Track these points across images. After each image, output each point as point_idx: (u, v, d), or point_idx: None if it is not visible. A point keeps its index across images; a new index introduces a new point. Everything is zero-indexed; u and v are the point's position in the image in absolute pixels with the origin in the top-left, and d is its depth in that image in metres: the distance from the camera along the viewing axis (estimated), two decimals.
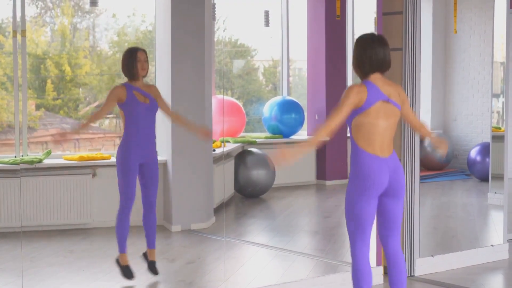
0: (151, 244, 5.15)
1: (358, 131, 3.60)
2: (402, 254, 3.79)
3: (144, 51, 4.95)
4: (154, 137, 5.06)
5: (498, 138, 6.54)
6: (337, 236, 6.48)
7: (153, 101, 4.97)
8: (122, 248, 4.99)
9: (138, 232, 5.16)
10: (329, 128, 3.56)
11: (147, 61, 4.96)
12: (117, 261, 5.06)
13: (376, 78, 3.63)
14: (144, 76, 4.98)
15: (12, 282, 4.92)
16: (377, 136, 3.58)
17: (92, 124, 5.31)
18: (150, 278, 5.14)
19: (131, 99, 4.87)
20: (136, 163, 4.91)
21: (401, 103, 3.71)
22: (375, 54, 3.61)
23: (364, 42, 3.66)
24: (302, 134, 9.52)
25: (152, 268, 5.15)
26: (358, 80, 3.77)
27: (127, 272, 5.00)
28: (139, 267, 5.33)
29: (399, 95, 3.69)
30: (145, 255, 5.21)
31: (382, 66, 3.65)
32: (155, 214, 5.14)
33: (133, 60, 4.88)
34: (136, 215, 5.23)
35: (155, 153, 5.04)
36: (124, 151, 4.90)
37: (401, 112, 3.78)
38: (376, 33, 3.76)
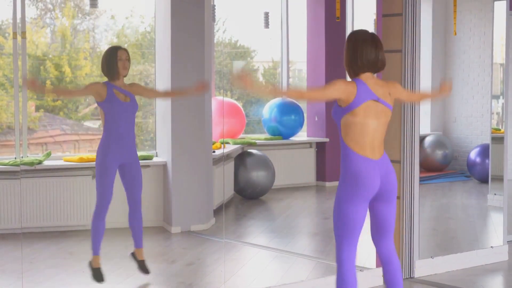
0: (138, 243, 5.10)
1: (347, 132, 3.51)
2: (396, 255, 3.74)
3: (125, 50, 4.89)
4: (134, 136, 4.98)
5: (498, 139, 6.55)
6: None
7: (133, 100, 4.91)
8: (95, 250, 4.91)
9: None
10: (302, 95, 3.53)
11: (128, 60, 4.88)
12: (90, 263, 4.97)
13: (367, 77, 3.55)
14: (125, 75, 4.91)
15: (12, 284, 4.92)
16: (367, 136, 3.50)
17: (58, 94, 5.17)
18: (149, 279, 5.14)
19: (111, 97, 4.80)
20: (115, 164, 4.86)
21: (393, 101, 3.64)
22: (366, 53, 3.53)
23: (356, 39, 3.58)
24: (301, 136, 9.52)
25: (143, 267, 5.11)
26: None
27: (97, 275, 4.91)
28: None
29: (390, 95, 3.60)
30: (133, 255, 5.16)
31: (374, 66, 3.56)
32: (141, 213, 5.07)
33: (114, 58, 4.82)
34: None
35: (135, 153, 4.96)
36: (103, 151, 4.84)
37: (402, 99, 3.76)
38: (374, 31, 3.70)
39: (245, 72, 3.35)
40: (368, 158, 3.50)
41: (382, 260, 3.72)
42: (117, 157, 4.85)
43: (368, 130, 3.50)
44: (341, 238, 3.55)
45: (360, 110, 3.48)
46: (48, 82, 7.18)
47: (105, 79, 4.95)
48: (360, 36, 3.60)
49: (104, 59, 4.88)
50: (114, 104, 4.81)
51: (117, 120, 4.83)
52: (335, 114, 3.56)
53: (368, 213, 3.66)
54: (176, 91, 5.14)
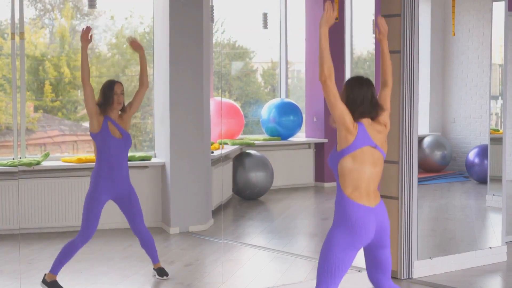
0: (155, 260, 5.18)
1: (345, 178, 3.47)
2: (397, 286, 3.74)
3: (121, 84, 4.97)
4: (127, 169, 4.98)
5: (497, 140, 6.55)
6: None
7: (126, 136, 4.95)
8: (55, 271, 4.84)
9: (133, 233, 5.13)
10: (325, 58, 3.56)
11: (123, 93, 4.96)
12: (44, 280, 4.86)
13: (366, 122, 3.52)
14: (120, 109, 4.97)
15: (10, 285, 4.91)
16: (364, 183, 3.46)
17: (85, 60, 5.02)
18: (148, 279, 5.14)
19: (104, 132, 4.86)
20: (106, 198, 4.89)
21: (386, 144, 3.63)
22: (365, 108, 3.51)
23: (351, 85, 3.57)
24: (300, 136, 9.52)
25: (161, 272, 5.16)
26: None
27: (56, 287, 4.90)
28: (137, 268, 5.33)
29: (385, 142, 3.58)
30: (154, 269, 5.21)
31: (370, 113, 3.53)
32: (151, 236, 5.10)
33: (111, 92, 4.89)
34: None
35: (129, 185, 4.98)
36: (94, 183, 4.87)
37: (382, 80, 3.73)
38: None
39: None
40: (365, 206, 3.47)
41: None
42: (108, 190, 4.87)
43: (365, 176, 3.47)
44: (324, 280, 3.51)
45: (358, 154, 3.46)
46: (47, 83, 7.18)
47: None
48: (354, 80, 3.60)
49: (101, 91, 4.93)
50: (107, 139, 4.86)
51: (108, 154, 4.87)
52: (332, 160, 3.52)
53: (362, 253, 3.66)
54: (141, 70, 5.12)
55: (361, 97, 3.52)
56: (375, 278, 3.67)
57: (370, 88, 3.55)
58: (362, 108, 3.50)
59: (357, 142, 3.45)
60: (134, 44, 5.18)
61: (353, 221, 3.44)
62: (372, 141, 3.50)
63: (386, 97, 3.71)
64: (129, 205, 4.97)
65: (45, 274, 4.84)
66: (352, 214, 3.45)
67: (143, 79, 5.11)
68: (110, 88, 4.91)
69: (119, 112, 4.99)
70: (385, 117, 3.61)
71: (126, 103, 5.05)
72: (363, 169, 3.46)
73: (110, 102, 4.90)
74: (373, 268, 3.65)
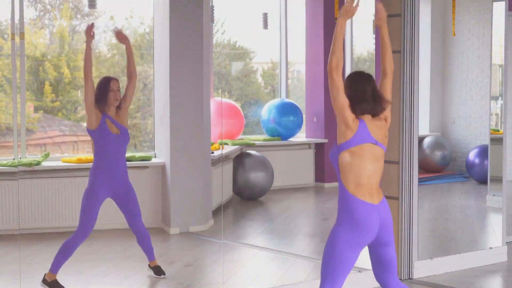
0: (151, 258, 5.18)
1: (346, 174, 3.46)
2: (404, 285, 3.71)
3: (117, 80, 4.96)
4: (125, 166, 4.97)
5: (497, 140, 6.55)
6: None
7: (124, 132, 4.94)
8: (55, 270, 4.84)
9: (133, 234, 5.13)
10: (336, 49, 3.50)
11: (119, 90, 4.95)
12: (44, 280, 4.87)
13: (367, 119, 3.50)
14: (117, 106, 4.95)
15: (10, 285, 4.91)
16: (365, 180, 3.45)
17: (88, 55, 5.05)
18: (148, 280, 5.14)
19: (102, 128, 4.85)
20: (104, 195, 4.88)
21: (386, 139, 3.60)
22: (368, 105, 3.48)
23: (352, 80, 3.55)
24: (300, 137, 9.52)
25: (158, 271, 5.17)
26: None
27: (57, 286, 4.90)
28: (137, 269, 5.32)
29: (385, 137, 3.56)
30: (149, 266, 5.22)
31: (372, 109, 3.51)
32: (148, 234, 5.10)
33: (107, 89, 4.88)
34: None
35: (127, 182, 4.97)
36: (92, 180, 4.87)
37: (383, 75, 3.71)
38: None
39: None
40: (368, 203, 3.45)
41: None
42: (106, 187, 4.87)
43: (366, 173, 3.45)
44: (328, 277, 3.48)
45: (358, 151, 3.44)
46: (47, 84, 7.18)
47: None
48: (355, 76, 3.57)
49: (97, 89, 4.91)
50: (104, 136, 4.85)
51: (106, 151, 4.87)
52: (333, 155, 3.50)
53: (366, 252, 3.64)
54: (128, 62, 5.11)
55: (362, 92, 3.49)
56: (382, 278, 3.65)
57: (371, 83, 3.52)
58: (364, 104, 3.48)
59: (356, 139, 3.44)
60: (120, 36, 5.18)
61: (356, 218, 3.43)
62: (372, 138, 3.48)
63: (386, 87, 3.68)
64: (127, 201, 4.96)
65: (45, 274, 4.84)
66: (355, 211, 3.43)
67: (130, 70, 5.10)
68: (105, 85, 4.90)
69: (116, 109, 4.96)
70: (386, 110, 3.58)
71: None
72: (363, 165, 3.45)
73: (106, 99, 4.88)
74: (379, 267, 3.62)
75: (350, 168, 3.45)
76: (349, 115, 3.43)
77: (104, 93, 4.89)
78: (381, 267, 3.62)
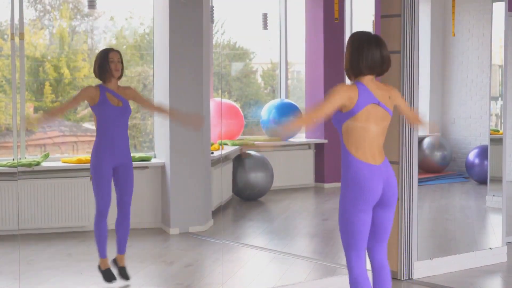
0: (121, 250, 5.05)
1: (348, 137, 3.46)
2: (387, 263, 3.69)
3: (117, 51, 4.84)
4: (128, 139, 4.94)
5: (497, 140, 6.54)
6: (335, 239, 6.47)
7: (126, 104, 4.86)
8: (101, 253, 4.88)
9: (133, 234, 5.13)
10: (310, 119, 3.43)
11: (120, 62, 4.83)
12: (99, 267, 4.95)
13: (368, 80, 3.49)
14: (119, 77, 4.86)
15: (9, 286, 4.91)
16: (368, 142, 3.45)
17: (52, 118, 5.23)
18: (148, 280, 5.14)
19: (103, 101, 4.77)
20: (109, 167, 4.83)
21: (393, 106, 3.59)
22: (370, 56, 3.45)
23: (359, 41, 3.49)
24: (300, 137, 9.52)
25: (123, 274, 5.04)
26: None
27: (109, 275, 4.89)
28: (136, 270, 5.32)
29: (389, 98, 3.55)
30: (114, 261, 5.09)
31: (376, 69, 3.49)
32: (129, 220, 5.02)
33: (106, 61, 4.77)
34: (132, 218, 5.22)
35: (128, 156, 4.93)
36: (96, 155, 4.82)
37: (398, 109, 3.72)
38: (373, 32, 3.62)
39: (279, 129, 3.58)
40: (370, 164, 3.46)
41: (374, 267, 3.65)
42: (111, 159, 4.83)
43: (369, 135, 3.45)
44: (349, 245, 3.52)
45: (362, 114, 3.43)
46: (47, 84, 7.17)
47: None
48: (364, 37, 3.50)
49: (96, 61, 4.83)
50: (106, 108, 4.77)
51: (109, 124, 4.80)
52: (336, 120, 3.49)
53: None
54: (173, 111, 5.13)
55: (367, 58, 3.48)
56: (370, 245, 3.63)
57: (379, 47, 3.50)
58: (365, 65, 3.47)
59: (360, 103, 3.43)
60: (198, 122, 5.57)
61: (360, 179, 3.44)
62: (375, 98, 3.46)
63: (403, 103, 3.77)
64: (125, 176, 4.91)
65: (99, 261, 4.90)
66: (358, 172, 3.44)
67: (161, 109, 5.31)
68: (104, 57, 4.79)
69: (118, 82, 4.88)
70: (398, 99, 3.64)
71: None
72: (367, 128, 3.44)
73: (106, 71, 4.78)
74: (372, 233, 3.60)
75: (352, 132, 3.45)
76: (344, 96, 3.43)
77: (104, 64, 4.79)
78: (374, 232, 3.60)
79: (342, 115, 3.45)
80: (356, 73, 3.50)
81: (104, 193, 4.79)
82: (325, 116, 3.45)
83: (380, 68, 3.50)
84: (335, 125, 3.54)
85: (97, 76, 4.83)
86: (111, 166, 4.84)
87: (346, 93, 3.42)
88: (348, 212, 3.48)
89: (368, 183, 3.44)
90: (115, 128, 4.83)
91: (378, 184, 3.47)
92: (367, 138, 3.45)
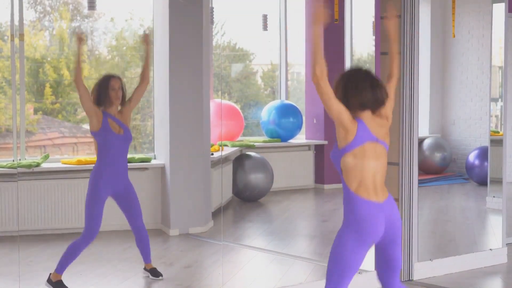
0: (147, 259, 5.17)
1: (348, 175, 3.40)
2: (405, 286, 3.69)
3: (118, 78, 4.85)
4: (127, 166, 4.96)
5: (497, 142, 6.55)
6: None
7: (127, 131, 4.89)
8: (60, 270, 4.82)
9: (133, 235, 5.12)
10: (318, 65, 3.33)
11: (121, 88, 4.84)
12: (49, 279, 4.83)
13: (366, 117, 3.44)
14: (120, 104, 4.88)
15: (9, 286, 4.90)
16: (369, 178, 3.40)
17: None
18: (148, 281, 5.14)
19: (105, 129, 4.79)
20: (106, 193, 4.85)
21: (389, 138, 3.56)
22: (366, 95, 3.39)
23: (355, 80, 3.44)
24: (300, 138, 9.52)
25: (155, 273, 5.16)
26: None
27: (61, 287, 4.87)
28: (137, 270, 5.32)
29: (387, 134, 3.51)
30: (145, 268, 5.21)
31: (374, 107, 3.43)
32: (147, 235, 5.09)
33: (107, 88, 4.79)
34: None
35: (128, 181, 4.95)
36: (95, 181, 4.82)
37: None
38: (366, 69, 3.54)
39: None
40: (373, 202, 3.40)
41: None
42: (109, 186, 4.84)
43: (369, 171, 3.39)
44: (334, 279, 3.43)
45: (360, 151, 3.38)
46: (47, 85, 7.18)
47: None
48: (359, 76, 3.46)
49: (97, 87, 4.83)
50: (107, 137, 4.80)
51: (110, 150, 4.82)
52: (334, 157, 3.45)
53: (373, 251, 3.59)
54: (146, 61, 5.06)
55: (358, 86, 3.40)
56: (385, 278, 3.60)
57: (369, 76, 3.43)
58: (363, 95, 3.40)
59: (357, 140, 3.38)
60: (147, 38, 5.12)
61: (361, 218, 3.36)
62: (373, 136, 3.42)
63: (390, 90, 3.62)
64: (128, 200, 4.94)
65: (50, 274, 4.82)
66: (360, 210, 3.37)
67: (145, 74, 5.02)
68: (105, 84, 4.80)
69: (119, 107, 4.90)
70: (387, 109, 3.52)
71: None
72: (366, 164, 3.38)
73: (107, 99, 4.80)
74: (383, 267, 3.56)
75: (352, 168, 3.40)
76: (347, 118, 3.36)
77: (105, 92, 4.80)
78: (385, 267, 3.57)
79: (339, 151, 3.41)
80: (352, 111, 3.45)
81: (95, 222, 4.76)
82: (324, 84, 3.37)
83: (374, 106, 3.45)
84: (334, 162, 3.47)
85: (97, 102, 4.81)
86: (109, 193, 4.87)
87: (347, 118, 3.34)
88: (343, 250, 3.39)
89: (370, 222, 3.37)
90: (116, 155, 4.85)
91: (380, 223, 3.40)
92: (368, 175, 3.40)
